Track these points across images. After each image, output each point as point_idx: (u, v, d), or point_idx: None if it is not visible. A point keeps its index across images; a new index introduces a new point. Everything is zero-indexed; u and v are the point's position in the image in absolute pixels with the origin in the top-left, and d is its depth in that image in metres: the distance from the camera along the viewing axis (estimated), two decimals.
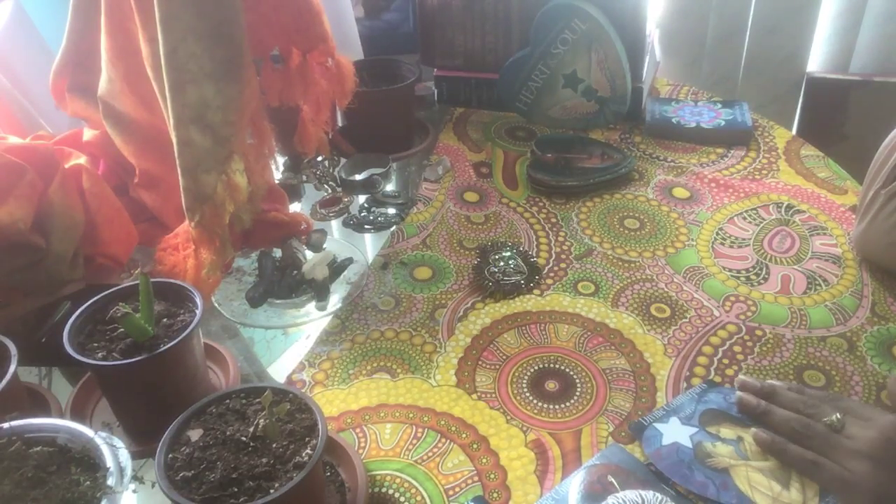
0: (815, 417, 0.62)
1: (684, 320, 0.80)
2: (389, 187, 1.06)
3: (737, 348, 0.76)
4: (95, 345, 0.63)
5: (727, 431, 0.66)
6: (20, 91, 0.97)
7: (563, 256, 0.91)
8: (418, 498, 0.62)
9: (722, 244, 0.91)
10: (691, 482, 0.61)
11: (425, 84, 1.26)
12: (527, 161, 1.08)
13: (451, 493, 0.63)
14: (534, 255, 0.91)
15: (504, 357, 0.76)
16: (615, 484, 0.61)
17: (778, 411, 0.64)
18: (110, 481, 0.51)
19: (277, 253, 0.90)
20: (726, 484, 0.62)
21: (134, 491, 0.53)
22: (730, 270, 0.87)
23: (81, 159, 0.83)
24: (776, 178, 1.03)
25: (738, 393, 0.67)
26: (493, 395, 0.72)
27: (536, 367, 0.75)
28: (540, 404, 0.71)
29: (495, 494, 0.63)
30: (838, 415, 0.61)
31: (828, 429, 0.60)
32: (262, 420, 0.54)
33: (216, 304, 0.85)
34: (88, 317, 0.66)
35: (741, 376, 0.69)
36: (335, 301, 0.85)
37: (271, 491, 0.51)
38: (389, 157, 1.09)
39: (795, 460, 0.60)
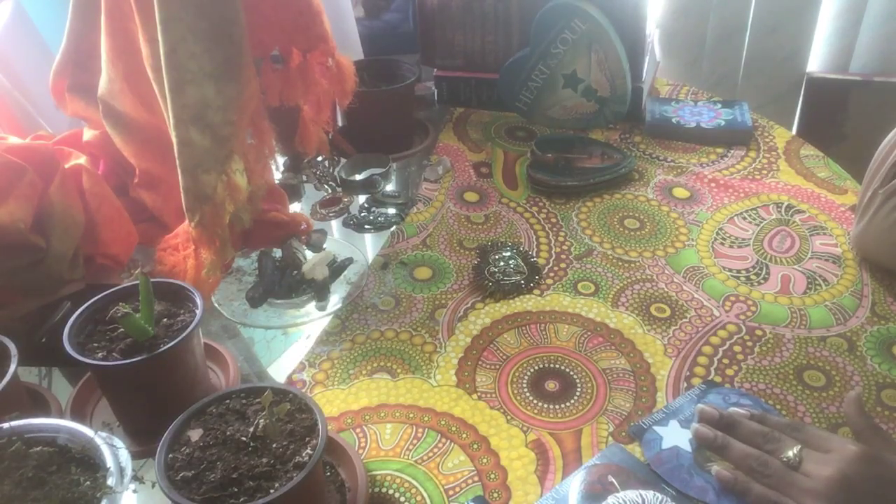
0: (776, 452, 0.60)
1: (684, 320, 0.80)
2: (389, 187, 1.06)
3: (737, 348, 0.76)
4: (95, 345, 0.63)
5: None
6: (20, 91, 0.97)
7: (563, 256, 0.91)
8: (418, 498, 0.62)
9: (722, 244, 0.91)
10: (691, 487, 0.61)
11: (425, 84, 1.26)
12: (527, 161, 1.08)
13: (451, 493, 0.63)
14: (534, 255, 0.91)
15: (504, 357, 0.76)
16: (615, 484, 0.61)
17: (736, 446, 0.62)
18: (110, 481, 0.51)
19: (277, 253, 0.90)
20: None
21: (134, 491, 0.53)
22: (730, 270, 0.87)
23: (81, 159, 0.83)
24: (776, 178, 1.03)
25: (695, 425, 0.65)
26: (494, 395, 0.72)
27: (536, 367, 0.75)
28: (540, 404, 0.71)
29: (496, 494, 0.63)
30: (796, 449, 0.59)
31: (785, 466, 0.59)
32: (262, 420, 0.54)
33: (216, 304, 0.85)
34: (88, 317, 0.66)
35: (700, 405, 0.67)
36: (335, 301, 0.85)
37: (271, 491, 0.51)
38: (389, 157, 1.08)
39: (757, 500, 0.58)
